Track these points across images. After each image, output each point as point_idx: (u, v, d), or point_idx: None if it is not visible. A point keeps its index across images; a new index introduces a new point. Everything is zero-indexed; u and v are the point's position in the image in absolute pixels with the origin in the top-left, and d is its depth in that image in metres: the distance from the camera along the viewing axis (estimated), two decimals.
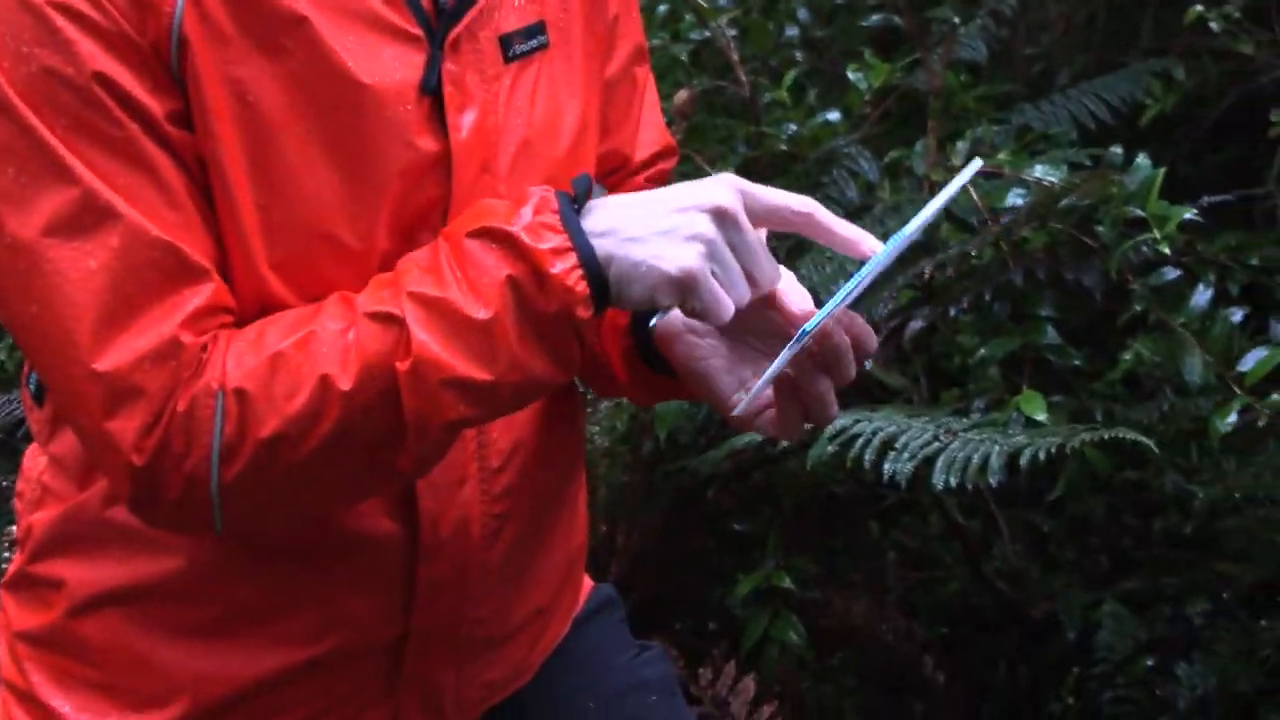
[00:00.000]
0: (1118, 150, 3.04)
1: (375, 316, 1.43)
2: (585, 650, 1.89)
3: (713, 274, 1.43)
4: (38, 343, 1.45)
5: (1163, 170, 2.80)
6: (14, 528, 1.74)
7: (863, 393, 3.13)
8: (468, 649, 1.70)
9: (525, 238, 1.42)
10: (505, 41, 1.58)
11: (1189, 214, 2.76)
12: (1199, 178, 3.62)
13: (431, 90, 1.52)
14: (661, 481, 3.23)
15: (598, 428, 3.14)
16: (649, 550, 3.23)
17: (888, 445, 2.67)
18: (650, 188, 1.86)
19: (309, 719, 1.64)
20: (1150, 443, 2.53)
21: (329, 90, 1.47)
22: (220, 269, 1.48)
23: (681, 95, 3.36)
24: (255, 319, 1.48)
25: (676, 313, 1.54)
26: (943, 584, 3.51)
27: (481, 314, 1.41)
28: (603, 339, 1.72)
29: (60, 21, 1.39)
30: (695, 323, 1.58)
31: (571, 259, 1.42)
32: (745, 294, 1.46)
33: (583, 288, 1.42)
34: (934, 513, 3.48)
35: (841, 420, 2.71)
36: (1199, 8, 3.18)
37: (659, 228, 1.44)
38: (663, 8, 3.85)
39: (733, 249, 1.44)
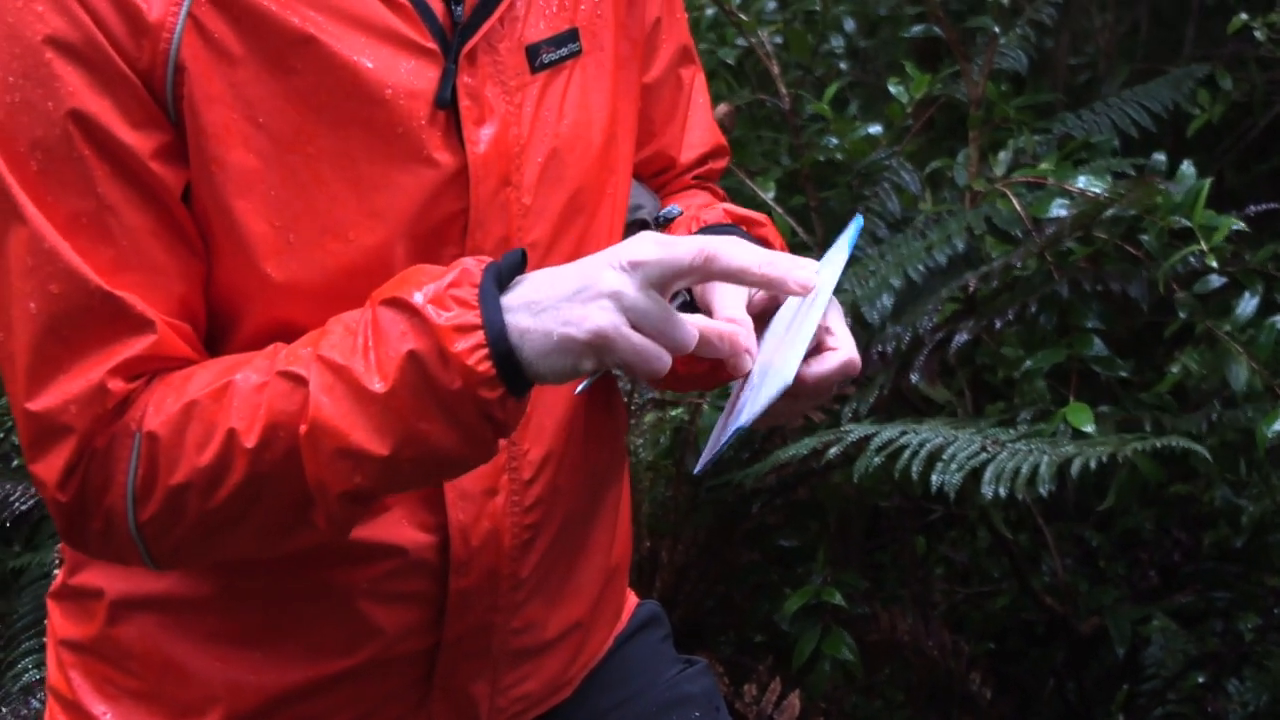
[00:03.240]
0: (1161, 158, 3.02)
1: (286, 375, 1.42)
2: (628, 666, 1.88)
3: (634, 325, 1.39)
4: (4, 367, 1.48)
5: (1209, 181, 2.78)
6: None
7: (907, 406, 3.12)
8: (502, 660, 1.69)
9: (430, 312, 1.39)
10: (532, 51, 1.58)
11: (1236, 225, 2.73)
12: (1245, 186, 3.60)
13: (446, 104, 1.51)
14: (705, 496, 3.22)
15: (641, 441, 3.13)
16: (693, 565, 3.22)
17: (935, 457, 2.65)
18: (699, 186, 1.86)
19: None
20: (1203, 450, 2.50)
21: (341, 107, 1.47)
22: (189, 309, 1.49)
23: (721, 108, 3.36)
24: (271, 340, 1.48)
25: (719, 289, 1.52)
26: (990, 599, 3.49)
27: (378, 386, 1.39)
28: None
29: (49, 54, 1.40)
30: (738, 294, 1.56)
31: (477, 336, 1.38)
32: (680, 339, 1.41)
33: (485, 367, 1.38)
34: (981, 527, 3.47)
35: (888, 432, 2.70)
36: (1243, 16, 3.16)
37: (564, 293, 1.40)
38: (711, 10, 3.84)
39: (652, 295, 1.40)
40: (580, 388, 1.48)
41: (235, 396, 1.42)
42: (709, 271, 1.41)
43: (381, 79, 1.47)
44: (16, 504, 3.13)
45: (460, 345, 1.38)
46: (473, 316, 1.39)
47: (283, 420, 1.41)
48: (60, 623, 1.69)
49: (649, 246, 1.40)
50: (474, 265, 1.42)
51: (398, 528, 1.58)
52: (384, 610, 1.60)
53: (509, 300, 1.41)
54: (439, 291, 1.40)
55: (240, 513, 1.45)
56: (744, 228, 1.72)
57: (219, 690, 1.60)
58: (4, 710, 2.84)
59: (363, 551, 1.57)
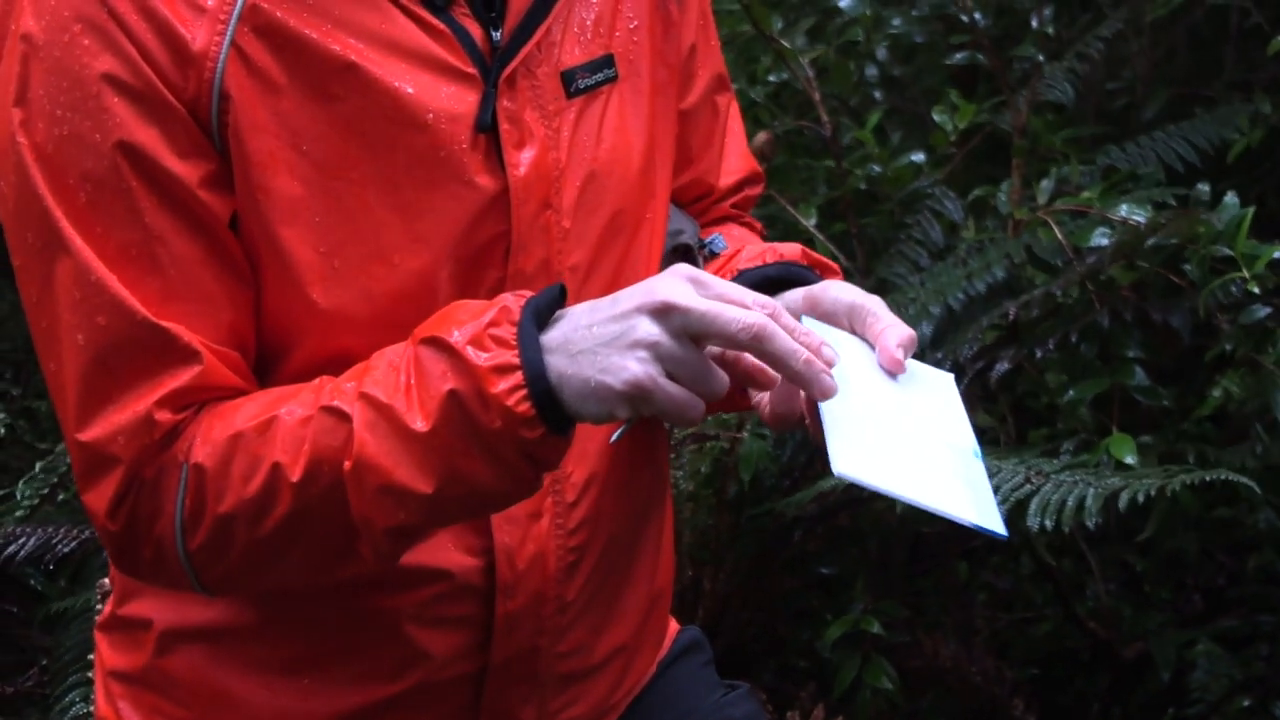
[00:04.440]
0: (1204, 188, 3.02)
1: (330, 411, 1.44)
2: (671, 691, 1.88)
3: (670, 375, 1.39)
4: (56, 398, 1.50)
5: (1251, 209, 2.78)
6: (107, 579, 1.78)
7: None
8: (548, 684, 1.69)
9: (469, 352, 1.40)
10: (567, 77, 1.59)
11: (1279, 253, 2.73)
12: None
13: (487, 128, 1.52)
14: (747, 524, 3.22)
15: (682, 472, 3.14)
16: (735, 593, 3.22)
17: None
18: (737, 214, 1.87)
19: None
20: (1253, 484, 2.50)
21: (383, 133, 1.48)
22: (239, 337, 1.50)
23: (761, 137, 3.37)
24: (323, 369, 1.50)
25: None
26: (1034, 625, 3.48)
27: (420, 425, 1.40)
28: None
29: (96, 87, 1.41)
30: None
31: (516, 378, 1.38)
32: (716, 388, 1.41)
33: (525, 408, 1.38)
34: (1024, 553, 3.46)
35: None
36: None
37: (602, 338, 1.40)
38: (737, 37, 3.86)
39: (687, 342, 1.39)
40: (615, 436, 1.49)
41: (280, 430, 1.44)
42: (752, 350, 1.41)
43: (423, 104, 1.49)
44: (60, 545, 3.15)
45: (500, 386, 1.38)
46: (511, 357, 1.39)
47: (327, 455, 1.42)
48: (109, 654, 1.71)
49: (686, 291, 1.40)
50: (513, 302, 1.42)
51: (444, 552, 1.59)
52: (431, 635, 1.61)
53: (548, 340, 1.41)
54: (478, 331, 1.40)
55: (288, 543, 1.46)
56: (818, 271, 1.70)
57: (267, 718, 1.61)
58: None
59: (409, 577, 1.58)
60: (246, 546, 1.46)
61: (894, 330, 1.55)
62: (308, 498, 1.43)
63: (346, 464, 1.41)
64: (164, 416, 1.45)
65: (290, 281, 1.49)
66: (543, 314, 1.43)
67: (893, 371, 1.53)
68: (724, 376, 1.42)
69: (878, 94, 3.94)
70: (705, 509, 3.20)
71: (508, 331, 1.40)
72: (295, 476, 1.43)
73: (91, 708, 1.77)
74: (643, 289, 1.41)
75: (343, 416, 1.42)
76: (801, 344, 1.43)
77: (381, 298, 1.50)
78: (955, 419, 1.55)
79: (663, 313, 1.38)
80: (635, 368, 1.38)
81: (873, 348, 1.56)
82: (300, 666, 1.62)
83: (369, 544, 1.45)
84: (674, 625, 1.95)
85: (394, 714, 1.63)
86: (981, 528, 1.45)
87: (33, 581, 3.42)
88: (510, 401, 1.38)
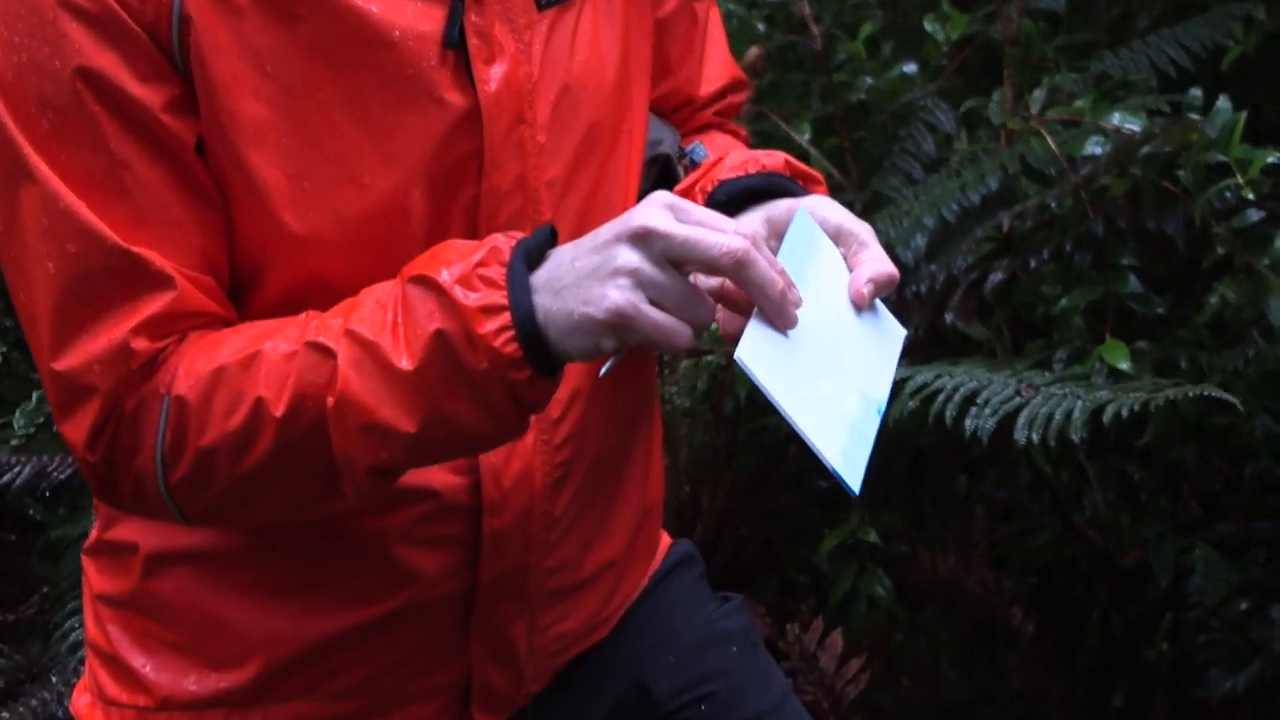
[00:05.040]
0: (1197, 93, 3.00)
1: (315, 347, 1.43)
2: (664, 605, 1.90)
3: (653, 301, 1.39)
4: (27, 328, 1.50)
5: (1244, 114, 2.76)
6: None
7: (945, 346, 3.12)
8: (538, 600, 1.71)
9: (457, 292, 1.39)
10: None
11: (1273, 158, 2.72)
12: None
13: (455, 44, 1.51)
14: (744, 441, 3.22)
15: (677, 388, 3.14)
16: (733, 510, 3.23)
17: (969, 401, 2.65)
18: (720, 122, 1.86)
19: (382, 674, 1.66)
20: (1235, 400, 2.50)
21: (349, 53, 1.47)
22: (211, 262, 1.49)
23: (752, 52, 3.36)
24: (299, 295, 1.50)
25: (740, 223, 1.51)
26: (1032, 535, 3.49)
27: (405, 364, 1.40)
28: None
29: (53, 13, 1.40)
30: (758, 234, 1.54)
31: (504, 318, 1.38)
32: (702, 314, 1.41)
33: (512, 349, 1.38)
34: (1023, 465, 3.47)
35: (923, 375, 2.70)
36: None
37: (583, 270, 1.39)
38: None
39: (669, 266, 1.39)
40: (604, 369, 1.47)
41: (264, 364, 1.44)
42: (732, 275, 1.41)
43: (389, 21, 1.48)
44: (55, 474, 3.17)
45: (487, 327, 1.38)
46: (499, 297, 1.39)
47: (310, 391, 1.42)
48: (96, 578, 1.72)
49: (665, 217, 1.40)
50: (504, 243, 1.42)
51: (429, 472, 1.59)
52: (419, 554, 1.62)
53: (535, 279, 1.41)
54: (466, 271, 1.40)
55: (270, 480, 1.46)
56: (801, 183, 1.69)
57: (257, 640, 1.63)
58: (52, 673, 2.88)
59: (396, 497, 1.58)
60: (228, 482, 1.47)
61: (873, 264, 1.55)
62: (290, 434, 1.43)
63: (330, 400, 1.41)
64: (141, 344, 1.45)
65: (260, 205, 1.48)
66: (533, 255, 1.42)
67: (856, 304, 1.53)
68: (710, 302, 1.42)
69: (876, 11, 3.92)
70: (701, 426, 3.21)
71: (496, 272, 1.40)
72: (279, 412, 1.43)
73: None
74: (622, 219, 1.41)
75: (327, 353, 1.42)
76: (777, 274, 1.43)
77: (353, 219, 1.50)
78: (882, 372, 1.55)
79: (642, 239, 1.38)
80: (616, 295, 1.37)
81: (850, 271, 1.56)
82: (289, 588, 1.62)
83: (350, 482, 1.45)
84: (666, 539, 1.96)
85: (384, 634, 1.64)
86: (837, 474, 1.46)
87: (31, 510, 3.45)
88: (497, 343, 1.38)
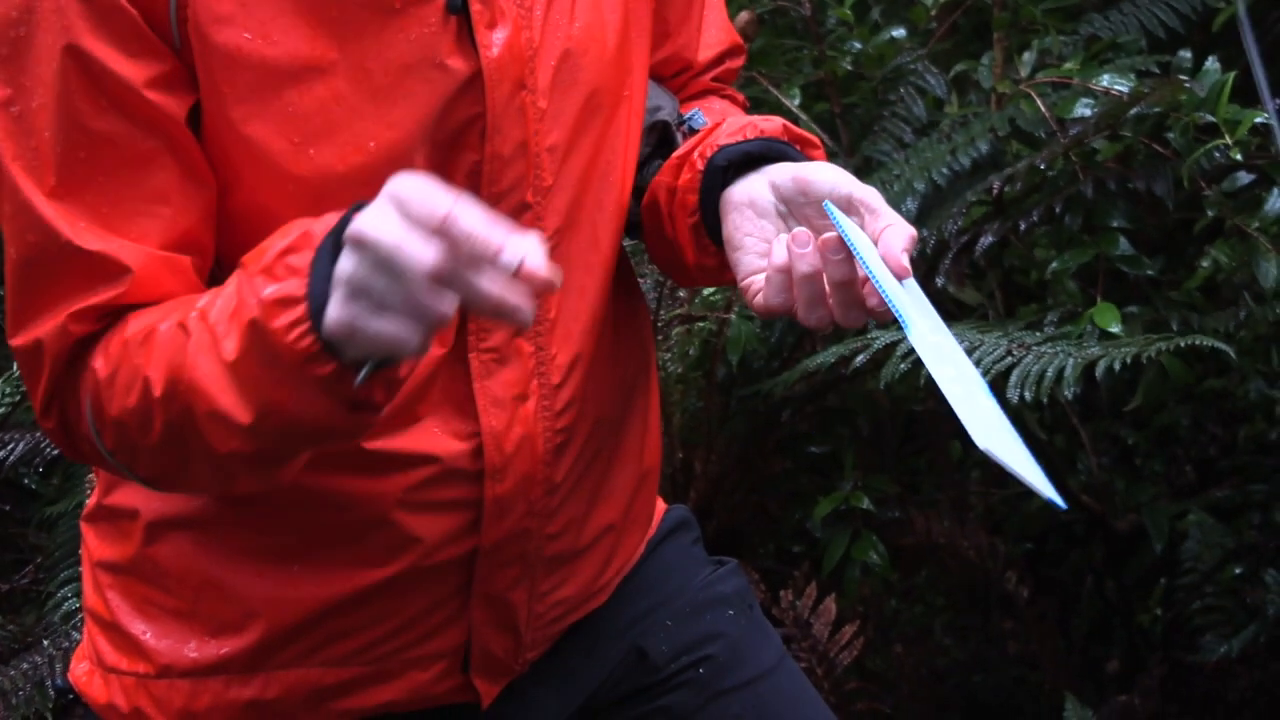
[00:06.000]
0: (1186, 54, 3.00)
1: (181, 327, 1.41)
2: (660, 570, 1.90)
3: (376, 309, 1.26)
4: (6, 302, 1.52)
5: (1232, 75, 2.76)
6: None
7: (938, 310, 3.12)
8: (538, 566, 1.70)
9: (258, 283, 1.33)
10: None
11: (1261, 118, 2.72)
12: (1273, 81, 3.56)
13: (457, 9, 1.50)
14: (736, 406, 3.23)
15: (670, 354, 3.14)
16: (727, 475, 3.23)
17: None
18: (718, 87, 1.86)
19: (384, 639, 1.66)
20: (1228, 348, 2.50)
21: (352, 20, 1.47)
22: (192, 240, 1.48)
23: (743, 16, 3.35)
24: None
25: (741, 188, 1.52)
26: (1027, 500, 3.50)
27: (229, 353, 1.36)
28: (675, 222, 1.68)
29: None
30: (761, 199, 1.56)
31: (298, 310, 1.30)
32: (433, 309, 1.25)
33: (306, 344, 1.30)
34: (1017, 429, 3.47)
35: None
36: None
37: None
38: None
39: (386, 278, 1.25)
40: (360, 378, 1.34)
41: (154, 342, 1.42)
42: (449, 284, 1.25)
43: None
44: (49, 449, 3.18)
45: (279, 321, 1.31)
46: (297, 286, 1.31)
47: (178, 374, 1.40)
48: (96, 544, 1.71)
49: (384, 218, 1.25)
50: (319, 229, 1.33)
51: (431, 436, 1.59)
52: (421, 519, 1.61)
53: (339, 270, 1.29)
54: (273, 258, 1.33)
55: (181, 453, 1.44)
56: (800, 148, 1.67)
57: (259, 606, 1.62)
58: (45, 641, 2.89)
59: (397, 461, 1.58)
60: (147, 453, 1.47)
61: (898, 230, 1.50)
62: (171, 414, 1.41)
63: (183, 384, 1.39)
64: (77, 328, 1.46)
65: (266, 173, 1.48)
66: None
67: (901, 277, 1.48)
68: (448, 300, 1.26)
69: None
70: (694, 391, 3.21)
71: (300, 260, 1.32)
72: (157, 392, 1.41)
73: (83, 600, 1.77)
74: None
75: (187, 333, 1.40)
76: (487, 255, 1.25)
77: (357, 185, 1.47)
78: (945, 335, 1.50)
79: (355, 247, 1.27)
80: (334, 311, 1.28)
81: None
82: (290, 553, 1.62)
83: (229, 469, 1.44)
84: (661, 505, 1.96)
85: (386, 598, 1.64)
86: (1050, 499, 1.42)
87: (27, 481, 3.46)
88: (289, 337, 1.31)
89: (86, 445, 1.52)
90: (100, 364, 1.46)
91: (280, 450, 1.43)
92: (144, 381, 1.42)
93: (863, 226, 1.52)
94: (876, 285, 1.46)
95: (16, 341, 1.49)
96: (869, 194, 1.54)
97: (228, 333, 1.35)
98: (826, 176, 1.56)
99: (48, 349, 1.47)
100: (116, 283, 1.45)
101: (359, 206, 1.29)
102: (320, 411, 1.34)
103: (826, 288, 1.51)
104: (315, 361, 1.30)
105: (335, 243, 1.30)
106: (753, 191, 1.57)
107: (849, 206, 1.54)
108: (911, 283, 1.50)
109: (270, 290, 1.31)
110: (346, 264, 1.26)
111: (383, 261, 1.24)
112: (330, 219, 1.33)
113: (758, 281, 1.56)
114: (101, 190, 1.44)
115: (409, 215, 1.24)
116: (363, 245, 1.25)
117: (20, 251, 1.46)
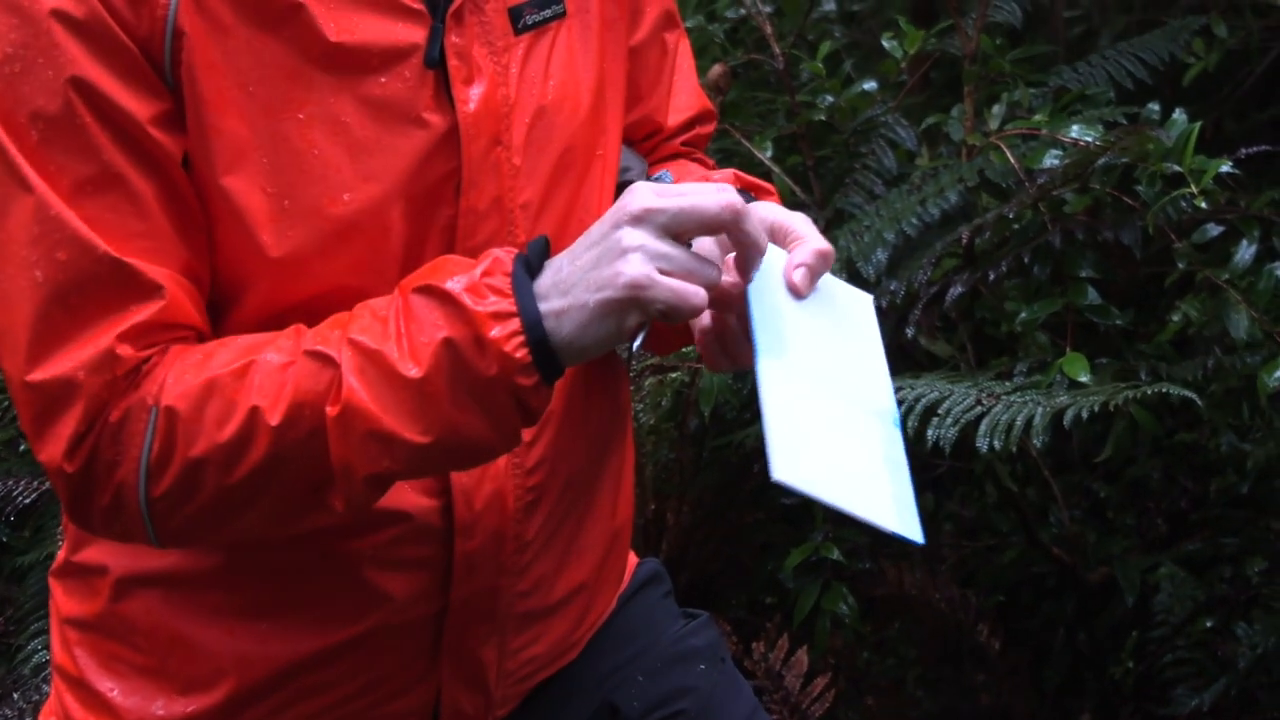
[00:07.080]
0: (1154, 107, 3.02)
1: (313, 355, 1.43)
2: (632, 625, 1.89)
3: (663, 272, 1.41)
4: (2, 343, 1.47)
5: (1198, 124, 2.78)
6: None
7: (909, 361, 3.13)
8: (509, 624, 1.70)
9: (466, 299, 1.41)
10: (515, 13, 1.58)
11: (1226, 166, 2.74)
12: (1244, 134, 3.59)
13: (435, 64, 1.51)
14: (709, 457, 3.23)
15: (642, 405, 3.13)
16: (699, 527, 3.23)
17: (931, 411, 2.66)
18: (688, 152, 1.87)
19: (353, 696, 1.65)
20: (1195, 397, 2.51)
21: (330, 73, 1.47)
22: (194, 275, 1.48)
23: (716, 70, 3.36)
24: (277, 315, 1.49)
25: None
26: (999, 552, 3.50)
27: (413, 372, 1.41)
28: None
29: (47, 24, 1.40)
30: (706, 249, 1.57)
31: (514, 324, 1.41)
32: (711, 273, 1.44)
33: (522, 354, 1.41)
34: (988, 482, 3.47)
35: None
36: None
37: (587, 264, 1.42)
38: None
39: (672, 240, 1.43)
40: (635, 345, 1.50)
41: (258, 374, 1.43)
42: (731, 229, 1.44)
43: (369, 42, 1.48)
44: (20, 498, 3.15)
45: (496, 332, 1.40)
46: (507, 304, 1.41)
47: (310, 400, 1.42)
48: (64, 600, 1.70)
49: (649, 196, 1.42)
50: (504, 255, 1.44)
51: (401, 493, 1.58)
52: (390, 577, 1.61)
53: (539, 287, 1.43)
54: (473, 280, 1.42)
55: (257, 491, 1.45)
56: (753, 194, 1.71)
57: (227, 663, 1.61)
58: (15, 694, 2.86)
59: (367, 519, 1.57)
60: (215, 493, 1.45)
61: (805, 246, 1.55)
62: (285, 443, 1.43)
63: (331, 409, 1.41)
64: (126, 351, 1.43)
65: (240, 224, 1.48)
66: (533, 265, 1.44)
67: (796, 293, 1.53)
68: (716, 264, 1.44)
69: (835, 30, 3.93)
70: (667, 442, 3.21)
71: (502, 281, 1.42)
72: (275, 420, 1.42)
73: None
74: (611, 212, 1.44)
75: (328, 361, 1.42)
76: None
77: (333, 238, 1.50)
78: (876, 363, 1.54)
79: (640, 219, 1.41)
80: (630, 270, 1.40)
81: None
82: (259, 611, 1.61)
83: (343, 492, 1.44)
84: (633, 558, 1.95)
85: (355, 656, 1.63)
86: (899, 535, 1.46)
87: None
88: (508, 347, 1.40)
89: (111, 497, 1.47)
90: (176, 399, 1.43)
91: (425, 469, 1.50)
92: (250, 412, 1.42)
93: (786, 248, 1.57)
94: (749, 310, 1.50)
95: (43, 374, 1.43)
96: (793, 218, 1.58)
97: (404, 352, 1.41)
98: (760, 209, 1.59)
99: (89, 377, 1.43)
100: (155, 297, 1.44)
101: (541, 241, 1.45)
102: (495, 426, 1.43)
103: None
104: (524, 372, 1.41)
105: (525, 265, 1.43)
106: (699, 245, 1.59)
107: (774, 233, 1.58)
108: (832, 299, 1.55)
109: (483, 305, 1.41)
110: (634, 235, 1.41)
111: (673, 222, 1.41)
112: (506, 251, 1.45)
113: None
114: (111, 222, 1.43)
115: (670, 190, 1.43)
116: (649, 213, 1.41)
117: (48, 273, 1.41)
